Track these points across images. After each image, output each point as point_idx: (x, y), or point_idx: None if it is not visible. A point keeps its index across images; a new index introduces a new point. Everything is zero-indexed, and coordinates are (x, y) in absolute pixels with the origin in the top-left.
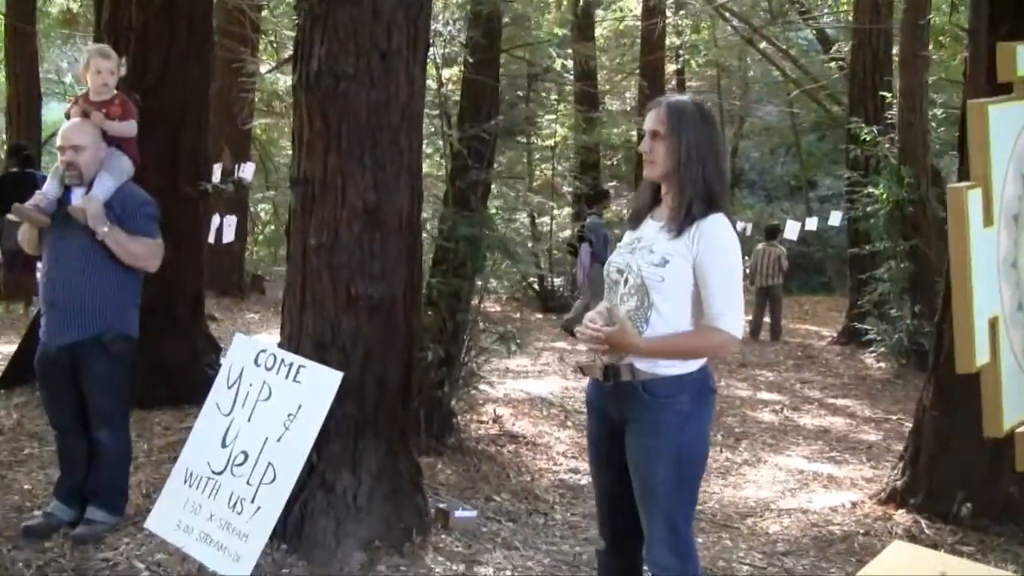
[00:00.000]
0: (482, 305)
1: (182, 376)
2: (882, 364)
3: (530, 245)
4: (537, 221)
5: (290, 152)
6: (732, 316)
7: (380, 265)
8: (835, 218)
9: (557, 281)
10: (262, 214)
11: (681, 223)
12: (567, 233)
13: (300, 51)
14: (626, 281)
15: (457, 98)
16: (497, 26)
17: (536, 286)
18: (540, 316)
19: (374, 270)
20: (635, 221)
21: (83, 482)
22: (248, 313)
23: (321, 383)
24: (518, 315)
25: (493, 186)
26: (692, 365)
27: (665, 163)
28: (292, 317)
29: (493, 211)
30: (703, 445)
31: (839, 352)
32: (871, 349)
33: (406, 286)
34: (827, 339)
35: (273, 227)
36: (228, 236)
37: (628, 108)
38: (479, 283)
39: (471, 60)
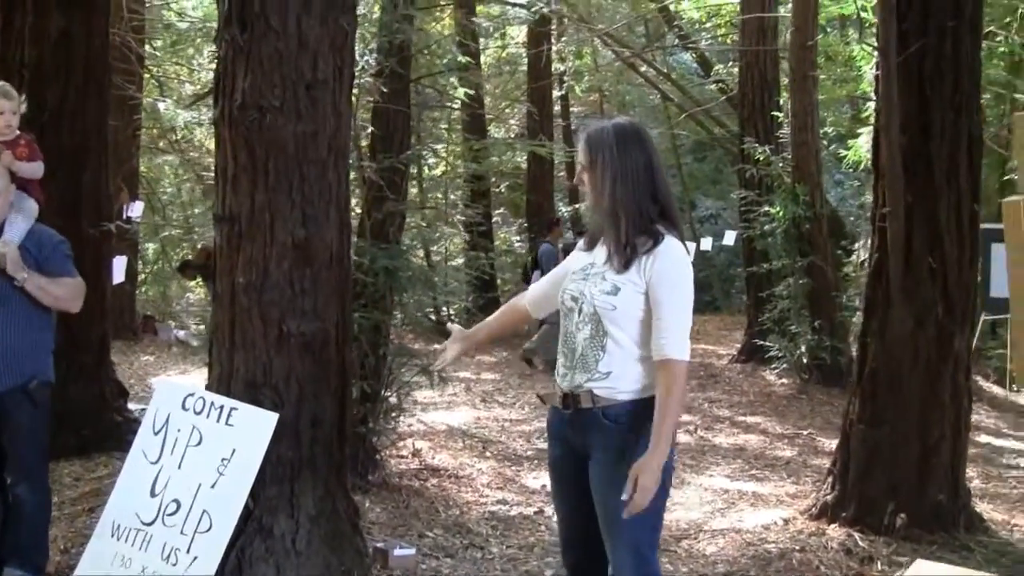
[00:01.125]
0: (398, 339)
1: (90, 424)
2: (785, 380)
3: (446, 276)
4: (430, 251)
5: (173, 190)
6: (679, 342)
7: (311, 301)
8: (729, 237)
9: (451, 310)
10: (149, 253)
11: (625, 256)
12: (459, 261)
13: (222, 84)
14: (580, 310)
15: (369, 129)
16: (408, 55)
17: (432, 315)
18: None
19: (305, 307)
20: (590, 244)
21: None
22: (143, 355)
23: (255, 425)
24: (436, 346)
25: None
26: (652, 389)
27: (593, 194)
28: (221, 358)
29: (409, 242)
30: (667, 470)
31: (741, 370)
32: (773, 366)
33: (338, 322)
34: (726, 357)
35: (160, 265)
36: (118, 276)
37: (512, 135)
38: (398, 316)
39: (384, 90)
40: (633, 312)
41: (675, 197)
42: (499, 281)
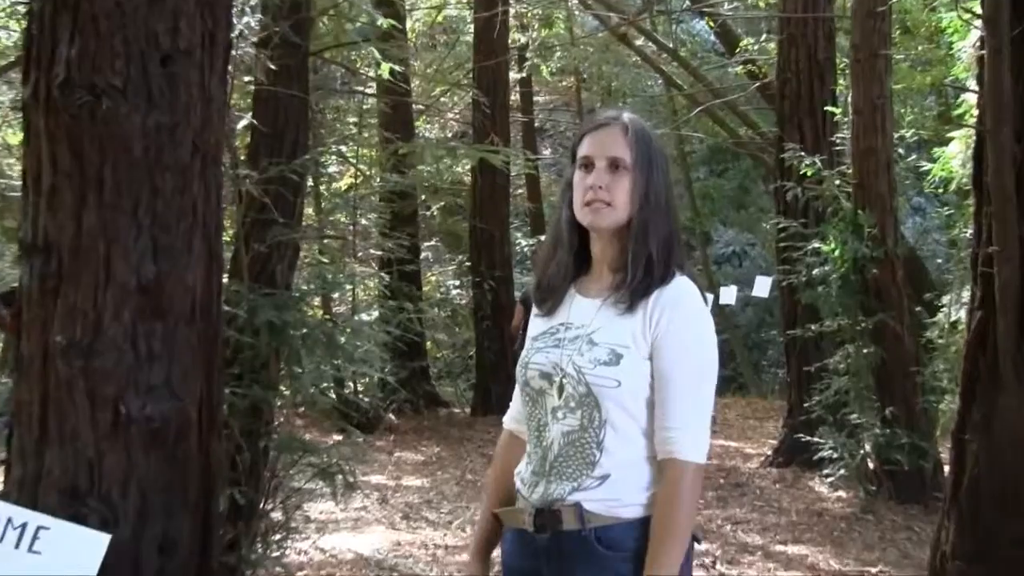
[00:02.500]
0: (286, 426)
1: None
2: (842, 493)
3: (356, 336)
4: (332, 299)
5: None
6: (694, 435)
7: (163, 371)
8: (761, 286)
9: (361, 384)
10: None
11: (634, 292)
12: (374, 315)
13: (35, 52)
14: (561, 390)
15: (247, 121)
16: (305, 16)
17: (334, 392)
18: (339, 436)
19: (154, 379)
20: (551, 299)
21: None
22: None
23: (75, 552)
24: (340, 436)
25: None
26: None
27: (628, 206)
28: (26, 454)
29: (304, 286)
30: None
31: (778, 478)
32: (825, 472)
33: (201, 401)
34: (757, 459)
35: None
36: None
37: (451, 134)
38: (287, 393)
39: (272, 66)
40: (641, 388)
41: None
42: (429, 344)
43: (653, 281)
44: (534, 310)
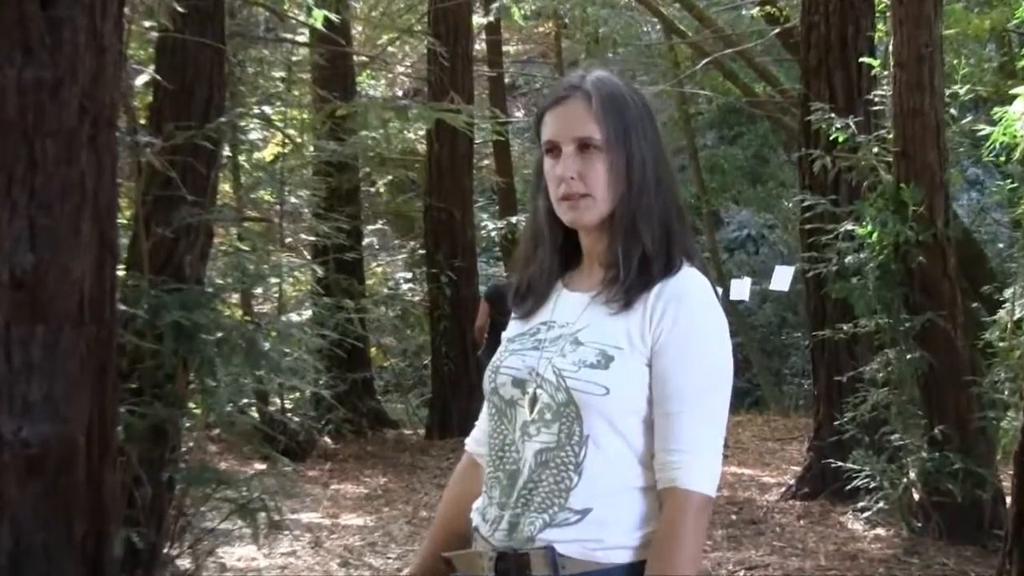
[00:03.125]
0: (196, 452)
1: None
2: (880, 531)
3: (283, 342)
4: (254, 296)
5: None
6: (702, 461)
7: (44, 386)
8: (782, 277)
9: (289, 400)
10: None
11: (630, 290)
12: (305, 315)
13: None
14: (534, 399)
15: (147, 76)
16: None
17: (256, 410)
18: (263, 465)
19: (32, 395)
20: (531, 299)
21: None
22: None
23: None
24: (264, 464)
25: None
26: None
27: (610, 195)
28: None
29: (219, 279)
30: None
31: (803, 512)
32: (860, 505)
33: (91, 422)
34: (777, 490)
35: None
36: None
37: (401, 92)
38: (199, 411)
39: (180, 8)
40: (635, 400)
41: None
42: (374, 351)
43: (652, 277)
44: (513, 312)
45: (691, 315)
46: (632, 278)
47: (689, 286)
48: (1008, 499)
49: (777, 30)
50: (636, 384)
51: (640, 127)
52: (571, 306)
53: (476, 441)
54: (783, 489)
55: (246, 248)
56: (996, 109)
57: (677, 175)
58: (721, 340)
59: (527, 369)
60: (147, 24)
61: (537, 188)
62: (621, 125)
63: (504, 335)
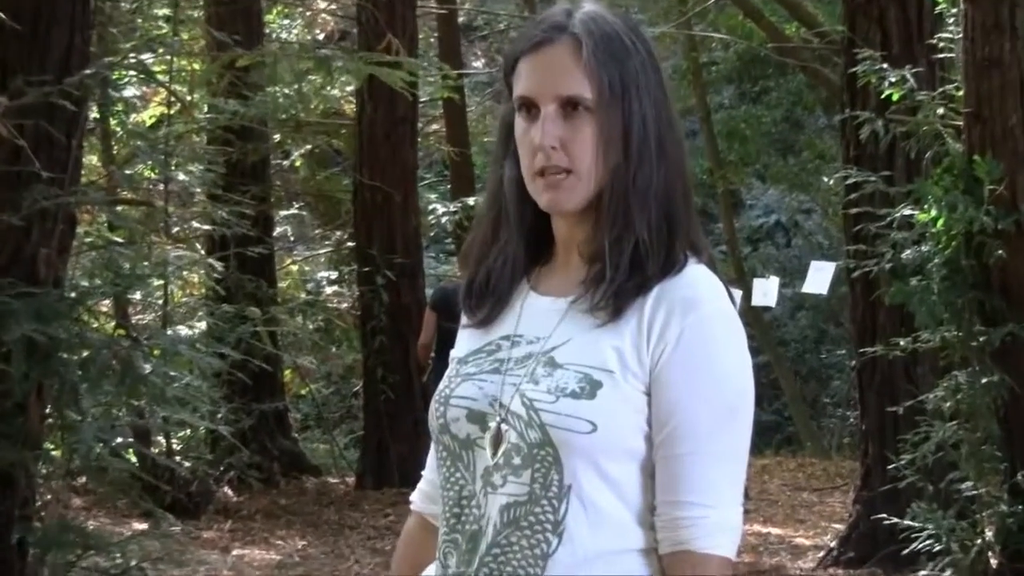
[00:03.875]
0: (55, 505)
1: None
2: None
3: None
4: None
5: None
6: (723, 514)
7: None
8: (819, 277)
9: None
10: None
11: (620, 293)
12: (199, 326)
13: None
14: (497, 438)
15: None
16: None
17: (135, 452)
18: (143, 524)
19: None
20: (489, 302)
21: None
22: None
23: None
24: (144, 523)
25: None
26: None
27: (599, 171)
28: None
29: (84, 282)
30: None
31: None
32: (922, 574)
33: None
34: (814, 554)
35: None
36: None
37: (323, 37)
38: (58, 453)
39: None
40: (630, 439)
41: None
42: (289, 374)
43: (648, 277)
44: (462, 319)
45: (701, 327)
46: (623, 277)
47: (698, 289)
48: None
49: None
50: (631, 418)
51: (643, 79)
52: (543, 315)
53: (425, 497)
54: (822, 554)
55: (120, 240)
56: None
57: (685, 143)
58: (741, 359)
59: (487, 399)
60: None
61: (504, 151)
62: (618, 78)
63: (453, 353)
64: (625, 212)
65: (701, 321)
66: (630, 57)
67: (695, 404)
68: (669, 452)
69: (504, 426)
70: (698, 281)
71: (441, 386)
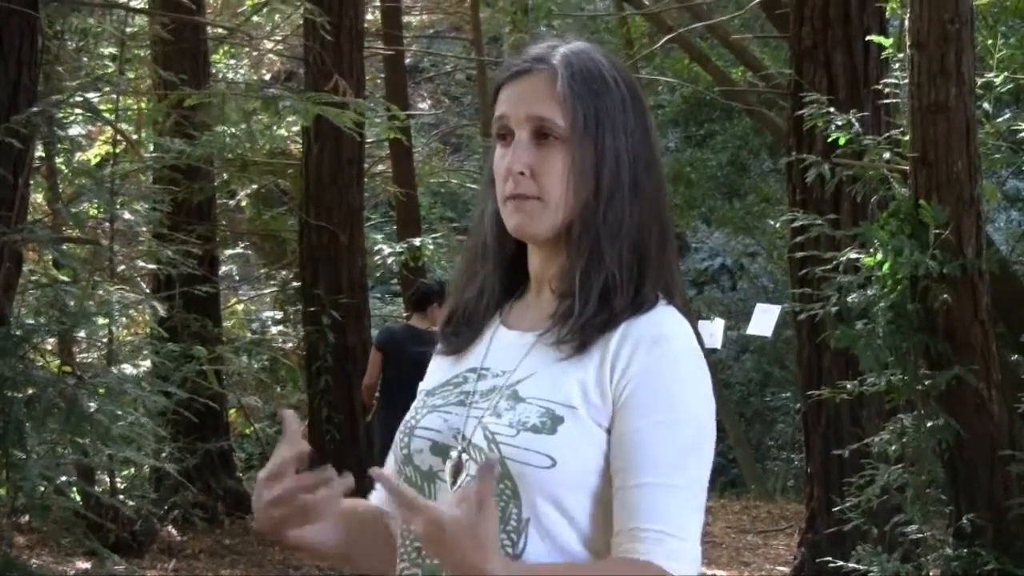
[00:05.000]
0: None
1: None
2: None
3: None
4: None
5: None
6: (685, 542)
7: None
8: (765, 320)
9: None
10: None
11: (586, 328)
12: (144, 367)
13: None
14: (457, 470)
15: None
16: None
17: (79, 493)
18: (87, 564)
19: None
20: (465, 334)
21: None
22: None
23: None
24: (88, 562)
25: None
26: None
27: (568, 201)
28: None
29: (29, 320)
30: None
31: None
32: None
33: None
34: None
35: None
36: None
37: (270, 76)
38: (1, 491)
39: None
40: (589, 473)
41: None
42: (234, 413)
43: (616, 314)
44: (438, 348)
45: (667, 362)
46: (590, 312)
47: (665, 327)
48: None
49: None
50: (590, 453)
51: (620, 117)
52: (509, 348)
53: (383, 500)
54: None
55: (66, 279)
56: None
57: (666, 184)
58: (705, 397)
59: (451, 431)
60: None
61: (490, 186)
62: (593, 112)
63: (422, 384)
64: (595, 245)
65: (666, 356)
66: (608, 93)
67: (658, 436)
68: (631, 483)
69: (465, 456)
70: (665, 320)
71: (408, 416)
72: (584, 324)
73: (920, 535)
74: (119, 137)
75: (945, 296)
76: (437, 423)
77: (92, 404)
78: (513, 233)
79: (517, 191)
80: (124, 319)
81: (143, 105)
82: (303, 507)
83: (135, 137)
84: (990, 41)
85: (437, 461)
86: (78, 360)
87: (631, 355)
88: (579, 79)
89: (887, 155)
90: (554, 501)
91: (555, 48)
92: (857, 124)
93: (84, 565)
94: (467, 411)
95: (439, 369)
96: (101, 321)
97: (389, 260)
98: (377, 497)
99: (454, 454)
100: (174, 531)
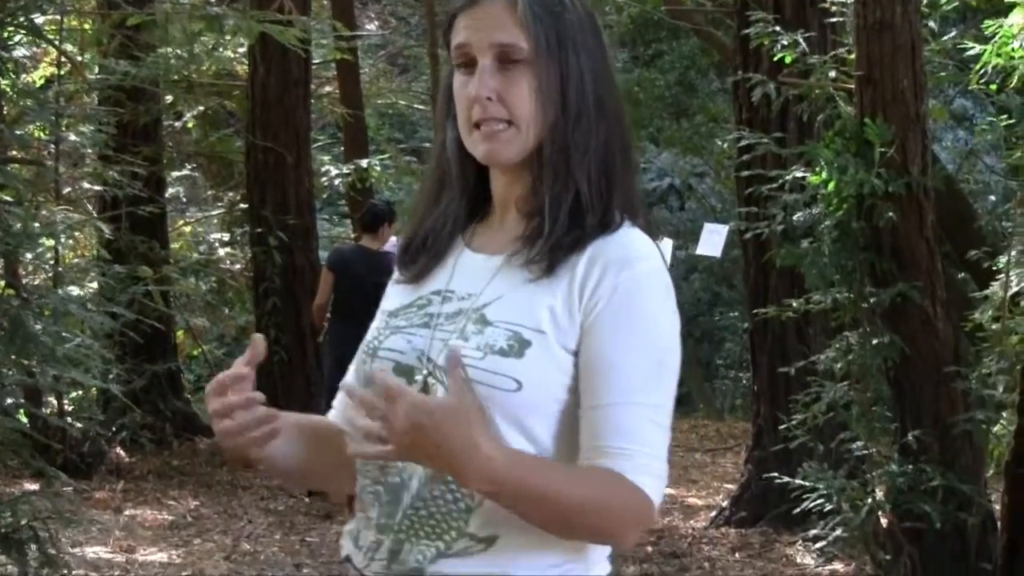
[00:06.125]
0: None
1: None
2: (839, 566)
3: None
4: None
5: None
6: (652, 460)
7: None
8: (712, 239)
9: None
10: None
11: (556, 248)
12: (91, 286)
13: None
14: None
15: None
16: None
17: (24, 415)
18: (34, 485)
19: None
20: (424, 258)
21: None
22: None
23: None
24: (35, 483)
25: None
26: (594, 561)
27: (537, 123)
28: None
29: None
30: None
31: (738, 543)
32: (812, 533)
33: None
34: (706, 514)
35: None
36: None
37: None
38: None
39: None
40: (556, 398)
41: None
42: (181, 335)
43: (585, 232)
44: (395, 275)
45: (634, 283)
46: (560, 231)
47: (632, 249)
48: (999, 523)
49: None
50: (557, 378)
51: (580, 36)
52: (476, 271)
53: (342, 420)
54: (714, 513)
55: (9, 199)
56: (988, 22)
57: (625, 102)
58: (671, 318)
59: (415, 352)
60: None
61: (446, 114)
62: (555, 33)
63: (383, 306)
64: (565, 166)
65: (634, 278)
66: (567, 13)
67: (626, 357)
68: (598, 402)
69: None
70: (632, 241)
71: (369, 337)
72: (554, 244)
73: (866, 452)
74: (63, 58)
75: (890, 214)
76: (401, 344)
77: (38, 325)
78: (483, 160)
79: (486, 115)
80: (70, 241)
81: (87, 26)
82: (261, 433)
83: (79, 58)
84: None
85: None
86: (24, 282)
87: (600, 277)
88: (538, 1)
89: (833, 74)
90: (518, 424)
91: None
92: (803, 43)
93: (32, 486)
94: (432, 333)
95: (400, 293)
96: (47, 243)
97: (336, 181)
98: (335, 416)
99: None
100: (122, 452)
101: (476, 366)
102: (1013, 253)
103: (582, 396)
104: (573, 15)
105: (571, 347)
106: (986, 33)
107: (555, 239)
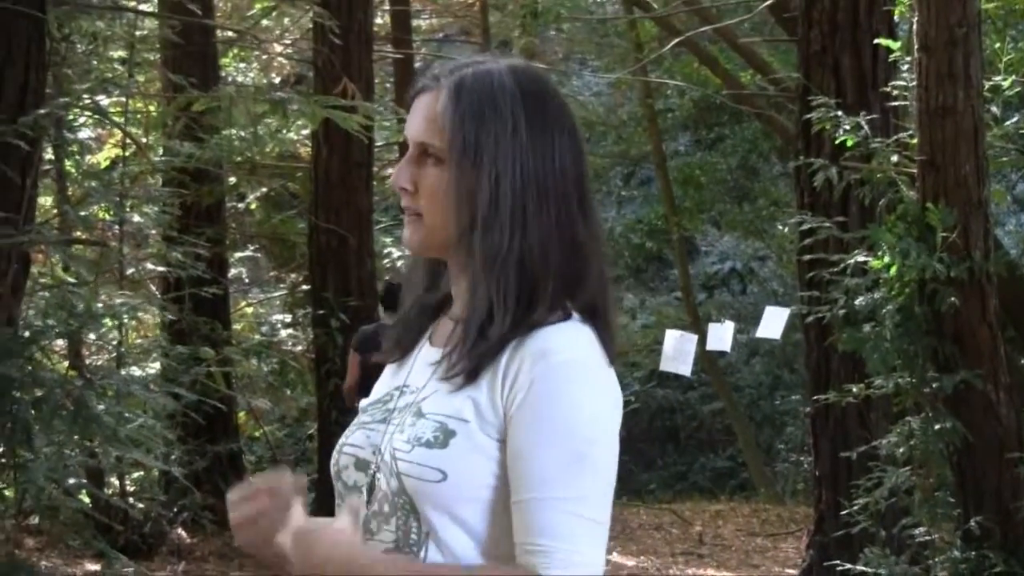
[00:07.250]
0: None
1: None
2: None
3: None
4: (85, 343)
5: None
6: (575, 547)
7: None
8: (773, 322)
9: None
10: None
11: (473, 354)
12: (153, 367)
13: None
14: (371, 487)
15: None
16: None
17: (87, 493)
18: (96, 565)
19: None
20: (404, 343)
21: None
22: None
23: None
24: (97, 564)
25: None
26: None
27: (447, 221)
28: None
29: (38, 322)
30: None
31: None
32: None
33: None
34: None
35: None
36: None
37: (279, 80)
38: (9, 493)
39: None
40: (482, 485)
41: (603, 235)
42: (243, 416)
43: (491, 343)
44: (390, 355)
45: (550, 375)
46: (472, 339)
47: (552, 342)
48: None
49: (769, 1)
50: (484, 464)
51: (506, 145)
52: (425, 366)
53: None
54: None
55: (73, 280)
56: None
57: (595, 203)
58: (593, 407)
59: (371, 447)
60: None
61: None
62: (474, 138)
63: (362, 402)
64: (474, 271)
65: (550, 370)
66: (498, 120)
67: (541, 451)
68: (518, 497)
69: (379, 474)
70: (555, 335)
71: (344, 434)
72: (470, 350)
73: (928, 538)
74: (128, 140)
75: (953, 299)
76: (360, 439)
77: (100, 406)
78: (403, 245)
79: (405, 203)
80: (133, 321)
81: (152, 108)
82: (269, 520)
83: (144, 140)
84: (998, 44)
85: (360, 476)
86: (87, 362)
87: (518, 370)
88: (465, 102)
89: (895, 158)
90: (449, 513)
91: (456, 69)
92: (865, 127)
93: (93, 567)
94: (387, 428)
95: (382, 382)
96: (109, 323)
97: (398, 263)
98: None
99: (371, 471)
100: (183, 533)
101: (403, 459)
102: None
103: (511, 488)
104: (506, 124)
105: (496, 436)
106: None
107: (469, 347)
